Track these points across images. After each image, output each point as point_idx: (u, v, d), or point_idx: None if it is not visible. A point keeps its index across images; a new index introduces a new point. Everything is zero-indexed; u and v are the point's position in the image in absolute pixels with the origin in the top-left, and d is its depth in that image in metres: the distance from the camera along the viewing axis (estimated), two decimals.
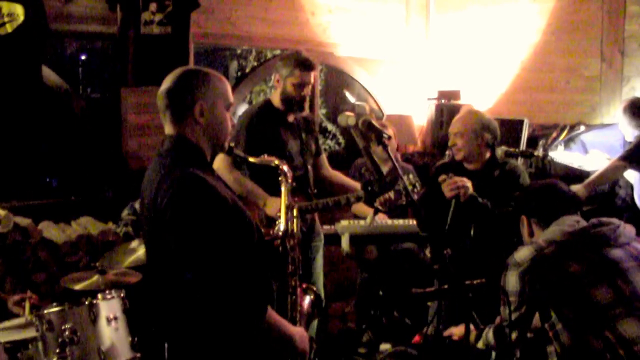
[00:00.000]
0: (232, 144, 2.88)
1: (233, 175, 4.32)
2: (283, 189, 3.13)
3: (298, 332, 2.67)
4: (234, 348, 2.52)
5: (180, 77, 2.64)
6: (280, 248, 3.05)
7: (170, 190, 2.45)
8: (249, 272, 2.51)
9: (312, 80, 4.44)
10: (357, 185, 4.74)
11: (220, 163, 4.27)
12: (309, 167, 4.62)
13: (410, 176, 4.62)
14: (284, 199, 3.12)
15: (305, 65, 4.36)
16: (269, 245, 3.05)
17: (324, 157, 4.87)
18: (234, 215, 2.55)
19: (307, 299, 3.17)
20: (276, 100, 4.48)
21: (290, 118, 4.54)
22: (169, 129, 2.65)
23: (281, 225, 3.09)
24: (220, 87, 2.67)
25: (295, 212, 3.12)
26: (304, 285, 3.19)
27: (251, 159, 3.18)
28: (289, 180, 3.13)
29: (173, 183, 2.46)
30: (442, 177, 4.12)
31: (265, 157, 3.16)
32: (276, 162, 3.12)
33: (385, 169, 5.51)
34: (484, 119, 4.41)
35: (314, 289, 3.27)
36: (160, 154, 2.64)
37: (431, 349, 3.95)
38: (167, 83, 2.64)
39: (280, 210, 3.12)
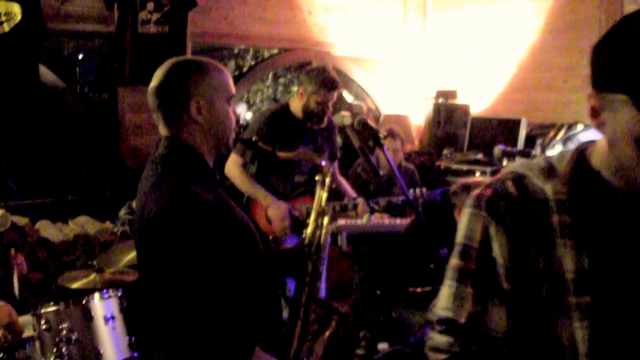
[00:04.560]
0: (256, 138, 2.69)
1: (243, 176, 4.44)
2: (318, 190, 2.80)
3: None
4: None
5: (171, 70, 2.33)
6: (301, 259, 2.71)
7: (158, 205, 2.15)
8: (237, 304, 2.24)
9: (335, 98, 4.49)
10: (352, 193, 4.80)
11: (230, 163, 4.43)
12: None
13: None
14: (316, 203, 2.78)
15: (331, 85, 4.41)
16: (283, 256, 2.80)
17: (335, 164, 4.90)
18: (225, 233, 2.23)
19: (330, 328, 2.79)
20: (296, 108, 4.53)
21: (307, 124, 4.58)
22: (163, 130, 2.36)
23: (307, 234, 2.75)
24: (219, 78, 2.33)
25: (326, 220, 2.75)
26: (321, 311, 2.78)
27: (282, 154, 2.92)
28: (327, 182, 2.79)
29: (162, 196, 2.16)
30: None
31: (301, 152, 2.87)
32: (317, 162, 2.86)
33: (382, 169, 5.52)
34: None
35: (339, 310, 2.86)
36: (153, 159, 2.34)
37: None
38: (156, 78, 2.36)
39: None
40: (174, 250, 2.12)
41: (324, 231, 2.73)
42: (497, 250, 1.47)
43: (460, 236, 1.55)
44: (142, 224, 2.24)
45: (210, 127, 2.32)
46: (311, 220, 2.74)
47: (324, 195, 2.79)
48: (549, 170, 1.48)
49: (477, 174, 6.26)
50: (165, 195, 2.16)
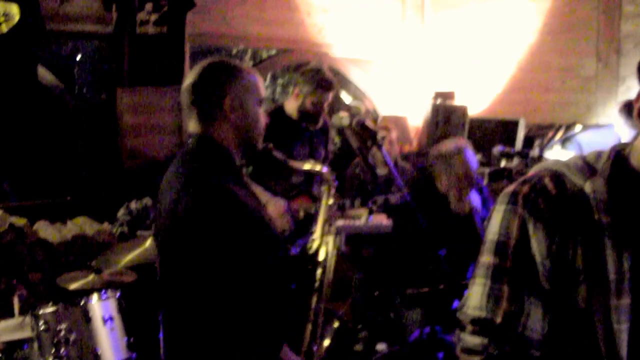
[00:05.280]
0: (271, 145, 2.69)
1: None
2: (324, 199, 2.86)
3: None
4: None
5: (206, 70, 2.39)
6: (309, 266, 2.77)
7: (192, 202, 2.20)
8: (267, 298, 2.28)
9: (330, 98, 4.50)
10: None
11: None
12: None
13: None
14: (323, 212, 2.83)
15: (327, 86, 4.42)
16: (295, 262, 2.86)
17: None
18: (256, 231, 2.30)
19: (330, 329, 2.91)
20: (291, 109, 4.54)
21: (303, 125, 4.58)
22: (194, 127, 2.39)
23: (314, 243, 2.81)
24: (251, 80, 2.42)
25: (333, 228, 2.82)
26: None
27: (293, 164, 2.90)
28: (333, 191, 2.85)
29: (196, 194, 2.22)
30: None
31: (312, 163, 2.85)
32: (320, 170, 2.88)
33: (380, 169, 5.52)
34: None
35: (342, 316, 3.00)
36: (183, 155, 2.40)
37: (427, 349, 3.95)
38: (191, 77, 2.40)
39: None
40: (210, 244, 2.18)
41: (332, 239, 2.80)
42: (536, 247, 1.43)
43: (493, 233, 1.50)
44: (172, 222, 2.27)
45: (241, 126, 2.39)
46: (318, 227, 2.81)
47: (330, 202, 2.85)
48: (588, 169, 1.45)
49: None
50: (200, 194, 2.22)
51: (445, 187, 4.25)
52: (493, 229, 1.51)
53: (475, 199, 4.24)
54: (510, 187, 1.51)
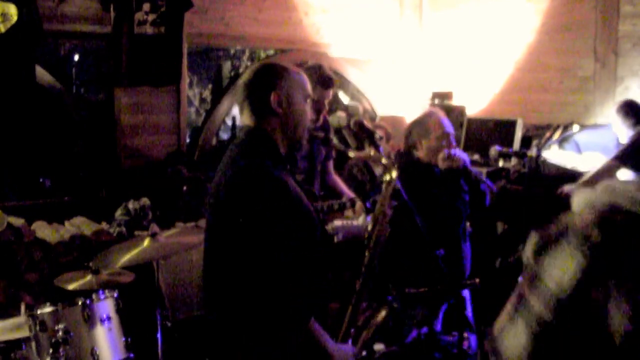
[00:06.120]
0: (323, 134, 2.86)
1: None
2: (384, 189, 3.00)
3: (339, 354, 2.55)
4: (270, 345, 2.46)
5: (259, 70, 2.69)
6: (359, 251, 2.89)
7: (233, 179, 2.45)
8: (301, 273, 2.46)
9: (330, 96, 4.50)
10: (350, 193, 4.80)
11: None
12: (317, 170, 4.66)
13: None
14: (380, 202, 2.97)
15: (327, 83, 4.42)
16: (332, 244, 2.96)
17: (330, 163, 4.91)
18: (297, 211, 2.51)
19: (380, 315, 2.96)
20: None
21: None
22: (246, 120, 2.65)
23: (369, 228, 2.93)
24: (298, 79, 2.67)
25: (385, 218, 2.94)
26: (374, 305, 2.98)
27: (351, 153, 3.11)
28: (394, 179, 2.99)
29: (237, 172, 2.46)
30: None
31: (369, 152, 3.06)
32: (383, 160, 3.05)
33: (378, 169, 5.52)
34: None
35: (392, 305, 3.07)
36: (233, 145, 2.63)
37: (425, 350, 3.95)
38: (246, 76, 2.68)
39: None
40: (252, 221, 2.37)
41: (380, 228, 2.91)
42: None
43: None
44: (216, 200, 2.53)
45: (288, 120, 2.62)
46: (375, 216, 2.94)
47: (389, 192, 2.97)
48: None
49: None
50: (240, 172, 2.46)
51: (427, 152, 4.24)
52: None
53: (462, 155, 4.23)
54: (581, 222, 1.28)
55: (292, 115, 2.62)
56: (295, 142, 2.70)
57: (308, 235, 2.56)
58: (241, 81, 2.69)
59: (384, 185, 3.01)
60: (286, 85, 2.61)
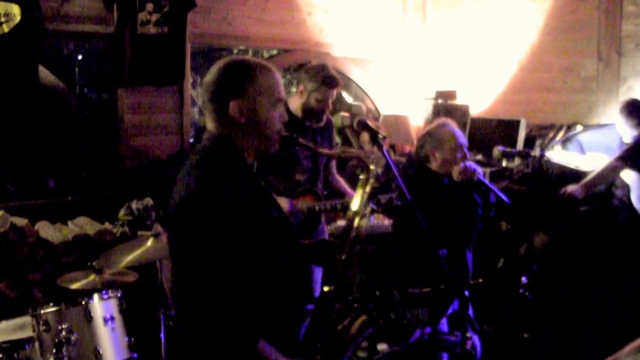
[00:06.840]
0: (295, 135, 2.64)
1: None
2: (359, 189, 2.84)
3: None
4: None
5: (221, 70, 2.40)
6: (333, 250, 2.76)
7: (188, 191, 2.26)
8: (250, 293, 2.29)
9: (335, 96, 4.49)
10: (352, 193, 4.79)
11: None
12: (320, 169, 4.65)
13: None
14: (359, 203, 2.82)
15: (331, 83, 4.42)
16: (316, 245, 2.87)
17: (333, 163, 4.90)
18: (255, 226, 2.30)
19: (356, 325, 2.86)
20: (295, 106, 4.51)
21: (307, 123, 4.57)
22: (209, 124, 2.43)
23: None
24: (265, 81, 2.39)
25: (364, 222, 2.84)
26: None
27: (323, 151, 3.12)
28: (371, 180, 2.84)
29: (190, 184, 2.27)
30: None
31: (351, 150, 2.85)
32: (361, 156, 2.92)
33: (381, 169, 5.52)
34: None
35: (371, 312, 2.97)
36: (195, 151, 2.43)
37: (428, 350, 3.95)
38: (209, 75, 2.42)
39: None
40: (196, 233, 2.20)
41: (364, 221, 2.81)
42: None
43: None
44: (177, 209, 2.30)
45: (252, 128, 2.38)
46: (357, 209, 2.80)
47: (366, 195, 2.83)
48: None
49: None
50: (194, 182, 2.26)
51: (441, 164, 4.21)
52: None
53: (478, 169, 4.20)
54: None
55: (256, 125, 2.38)
56: (263, 150, 2.46)
57: (268, 247, 2.38)
58: (204, 80, 2.43)
59: (359, 184, 2.87)
60: (253, 90, 2.36)
